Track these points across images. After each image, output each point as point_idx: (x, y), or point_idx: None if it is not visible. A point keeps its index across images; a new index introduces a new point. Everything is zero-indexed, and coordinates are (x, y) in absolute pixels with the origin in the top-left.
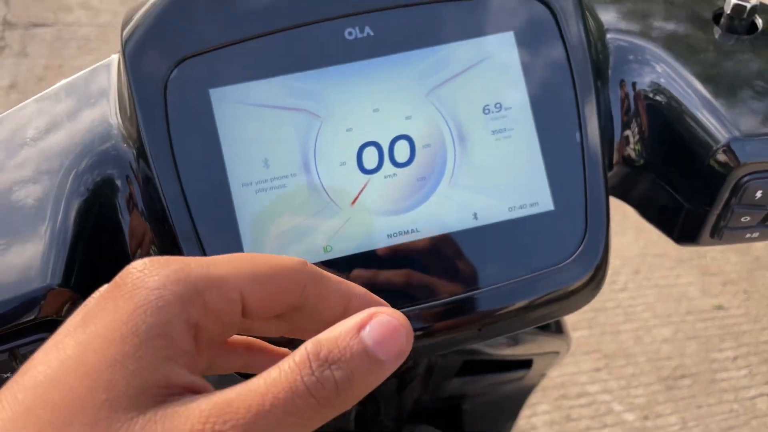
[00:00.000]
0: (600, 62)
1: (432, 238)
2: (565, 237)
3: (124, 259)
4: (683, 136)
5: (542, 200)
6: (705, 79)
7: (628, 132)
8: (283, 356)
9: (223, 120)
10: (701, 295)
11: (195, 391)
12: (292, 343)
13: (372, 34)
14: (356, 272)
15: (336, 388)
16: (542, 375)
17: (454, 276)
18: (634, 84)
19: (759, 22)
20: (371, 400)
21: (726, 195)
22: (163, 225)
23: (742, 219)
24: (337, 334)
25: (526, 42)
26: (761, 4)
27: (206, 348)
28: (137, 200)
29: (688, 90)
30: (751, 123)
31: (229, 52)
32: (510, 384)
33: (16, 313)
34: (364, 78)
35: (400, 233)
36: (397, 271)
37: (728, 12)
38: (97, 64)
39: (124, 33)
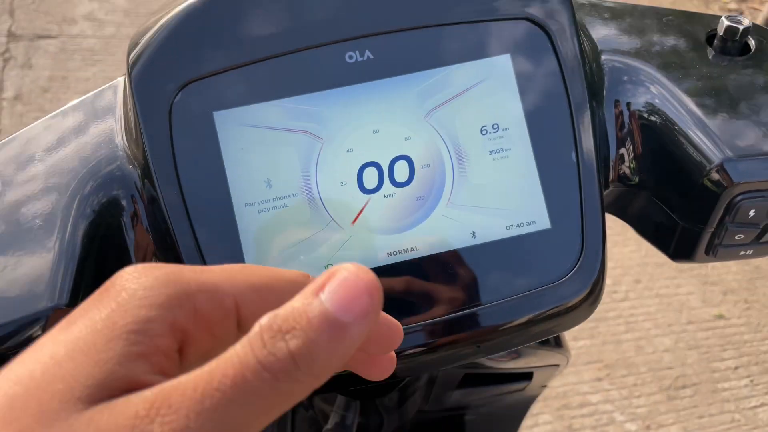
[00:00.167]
0: (595, 83)
1: (431, 256)
2: (562, 254)
3: None
4: (677, 156)
5: (539, 219)
6: (698, 100)
7: (623, 151)
8: None
9: (226, 142)
10: (702, 304)
11: None
12: None
13: (372, 57)
14: None
15: (291, 358)
16: (543, 386)
17: (453, 293)
18: (628, 104)
19: (752, 43)
20: (374, 411)
21: (720, 214)
22: (167, 243)
23: (736, 237)
24: (293, 301)
25: (523, 64)
26: (754, 25)
27: (196, 360)
28: (142, 219)
29: (682, 110)
30: (744, 143)
31: (233, 75)
32: (511, 395)
33: (23, 331)
34: (364, 100)
35: (400, 251)
36: (397, 288)
37: (721, 33)
38: (104, 86)
39: (131, 57)
